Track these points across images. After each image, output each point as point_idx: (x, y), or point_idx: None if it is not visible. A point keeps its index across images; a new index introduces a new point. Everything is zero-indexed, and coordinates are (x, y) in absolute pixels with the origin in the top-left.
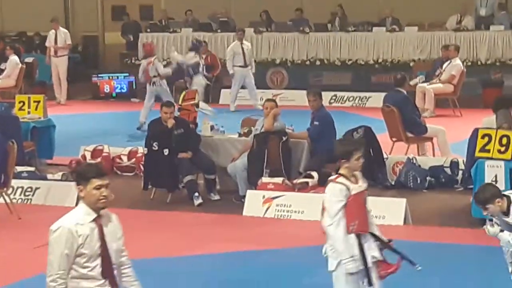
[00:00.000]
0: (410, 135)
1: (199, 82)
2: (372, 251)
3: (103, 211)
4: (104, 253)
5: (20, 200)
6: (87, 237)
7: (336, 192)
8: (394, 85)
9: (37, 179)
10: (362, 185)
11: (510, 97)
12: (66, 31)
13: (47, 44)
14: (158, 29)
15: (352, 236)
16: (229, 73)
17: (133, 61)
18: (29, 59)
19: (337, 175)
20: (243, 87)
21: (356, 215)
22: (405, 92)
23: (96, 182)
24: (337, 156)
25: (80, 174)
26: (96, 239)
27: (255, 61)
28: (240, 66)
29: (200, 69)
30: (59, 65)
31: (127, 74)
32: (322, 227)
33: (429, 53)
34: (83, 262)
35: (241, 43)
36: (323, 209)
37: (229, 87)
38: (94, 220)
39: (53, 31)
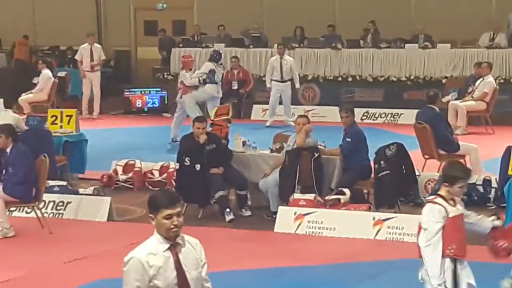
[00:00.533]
0: (442, 152)
1: (209, 89)
2: (468, 278)
3: (180, 238)
4: (182, 283)
5: (51, 214)
6: (160, 268)
7: (435, 213)
8: (426, 102)
9: (68, 193)
10: (459, 208)
11: None
12: (99, 46)
13: (77, 57)
14: (191, 44)
15: (447, 260)
16: (262, 88)
17: (165, 76)
18: (61, 73)
19: (435, 196)
20: (280, 103)
21: (454, 239)
22: (437, 109)
23: (166, 211)
24: (443, 177)
25: (151, 203)
26: (171, 269)
27: (300, 75)
28: (276, 81)
29: (216, 78)
30: (93, 80)
31: (159, 89)
32: (418, 247)
33: (461, 70)
34: None
35: (281, 58)
36: (419, 229)
37: (260, 102)
38: (169, 248)
39: (87, 44)
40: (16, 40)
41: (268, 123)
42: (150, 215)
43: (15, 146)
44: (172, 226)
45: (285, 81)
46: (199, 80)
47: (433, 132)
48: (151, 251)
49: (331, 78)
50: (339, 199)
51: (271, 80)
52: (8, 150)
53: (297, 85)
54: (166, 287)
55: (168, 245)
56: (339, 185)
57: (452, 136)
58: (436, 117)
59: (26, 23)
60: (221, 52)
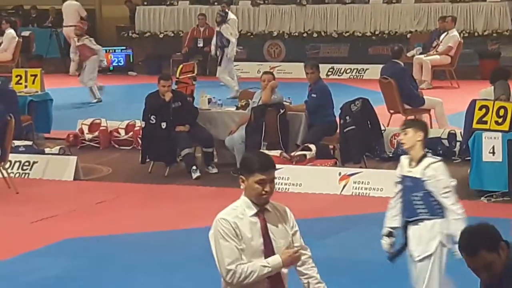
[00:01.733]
0: (407, 107)
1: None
2: None
3: (270, 205)
4: (268, 251)
5: (18, 174)
6: (246, 233)
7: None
8: (391, 57)
9: (34, 153)
10: None
11: (507, 68)
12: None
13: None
14: (155, 2)
15: None
16: None
17: (130, 34)
18: (26, 33)
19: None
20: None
21: None
22: (402, 64)
23: (259, 176)
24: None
25: (244, 165)
26: (257, 236)
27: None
28: None
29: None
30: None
31: (124, 48)
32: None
33: (426, 25)
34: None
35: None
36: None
37: None
38: (256, 214)
39: None
40: None
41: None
42: (241, 176)
43: None
44: (264, 192)
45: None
46: None
47: (398, 87)
48: (238, 214)
49: (296, 34)
50: (305, 155)
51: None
52: None
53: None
54: (252, 254)
55: (256, 210)
56: (305, 141)
57: (417, 90)
58: (400, 71)
59: None
60: (227, 10)
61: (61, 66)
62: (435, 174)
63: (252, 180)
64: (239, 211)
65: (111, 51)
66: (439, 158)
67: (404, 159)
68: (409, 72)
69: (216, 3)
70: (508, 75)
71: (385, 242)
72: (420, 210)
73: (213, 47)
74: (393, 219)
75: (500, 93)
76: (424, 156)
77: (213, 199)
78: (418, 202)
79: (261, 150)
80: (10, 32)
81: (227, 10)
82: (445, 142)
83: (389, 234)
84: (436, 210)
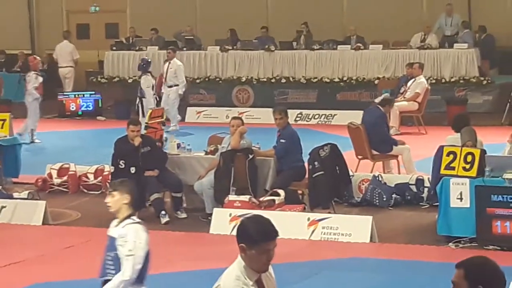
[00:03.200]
0: (375, 152)
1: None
2: None
3: None
4: None
5: None
6: None
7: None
8: (377, 103)
9: (3, 198)
10: None
11: (467, 115)
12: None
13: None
14: (124, 47)
15: None
16: (196, 91)
17: (99, 79)
18: None
19: None
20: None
21: None
22: (383, 111)
23: (266, 246)
24: None
25: (247, 235)
26: None
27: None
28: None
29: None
30: None
31: (93, 92)
32: None
33: (393, 71)
34: None
35: (169, 62)
36: None
37: (194, 105)
38: (256, 280)
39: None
40: None
41: (170, 127)
42: (242, 245)
43: None
44: (268, 261)
45: (169, 86)
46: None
47: (375, 131)
48: (243, 285)
49: (265, 79)
50: (274, 200)
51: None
52: None
53: (180, 91)
54: None
55: (256, 277)
56: (274, 186)
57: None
58: (382, 116)
59: None
60: (149, 60)
61: None
62: (125, 234)
63: (257, 251)
64: (242, 281)
65: (79, 95)
66: (139, 220)
67: (115, 220)
68: (387, 119)
69: (184, 49)
70: (469, 120)
71: None
72: (109, 271)
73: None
74: None
75: (467, 139)
76: (127, 217)
77: (183, 244)
78: (109, 262)
79: (259, 214)
80: None
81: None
82: (413, 187)
83: None
84: None
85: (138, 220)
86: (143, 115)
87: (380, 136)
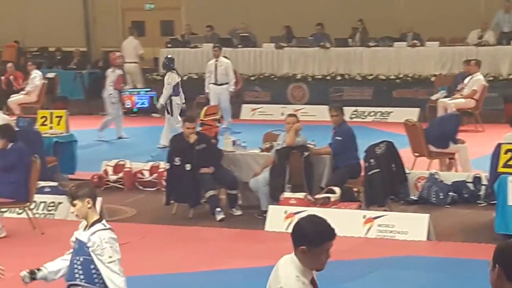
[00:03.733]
0: (432, 149)
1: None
2: None
3: None
4: None
5: (43, 215)
6: None
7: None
8: None
9: (59, 194)
10: None
11: None
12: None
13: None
14: (179, 44)
15: None
16: (251, 88)
17: (154, 76)
18: (50, 75)
19: None
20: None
21: None
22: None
23: (329, 245)
24: None
25: (311, 237)
26: None
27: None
28: (213, 84)
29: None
30: None
31: (148, 89)
32: None
33: (450, 68)
34: None
35: (216, 60)
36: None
37: (249, 102)
38: (310, 280)
39: None
40: (5, 44)
41: (224, 125)
42: (303, 247)
43: (15, 146)
44: (326, 260)
45: (220, 84)
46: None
47: (442, 127)
48: (303, 283)
49: (320, 77)
50: (329, 198)
51: (209, 83)
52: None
53: (231, 89)
54: None
55: (311, 277)
56: (329, 183)
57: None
58: (455, 116)
59: (15, 25)
60: (173, 58)
61: (85, 107)
62: (100, 242)
63: (317, 251)
64: (302, 281)
65: (135, 92)
66: (108, 226)
67: (82, 223)
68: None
69: (239, 46)
70: None
71: (25, 276)
72: (78, 275)
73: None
74: (53, 264)
75: None
76: (97, 221)
77: (237, 241)
78: (78, 267)
79: (314, 214)
80: (36, 73)
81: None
82: (470, 185)
83: (33, 273)
84: (94, 279)
85: (108, 226)
86: (172, 114)
87: (448, 133)
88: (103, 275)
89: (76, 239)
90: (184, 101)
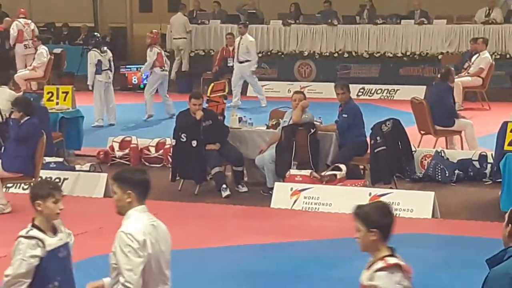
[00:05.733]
0: (438, 127)
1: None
2: None
3: None
4: None
5: None
6: None
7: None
8: (440, 78)
9: (65, 170)
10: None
11: None
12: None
13: None
14: None
15: None
16: (258, 65)
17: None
18: (57, 50)
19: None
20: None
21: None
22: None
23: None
24: None
25: (385, 220)
26: None
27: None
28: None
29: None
30: None
31: None
32: None
33: (457, 46)
34: None
35: (241, 38)
36: None
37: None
38: None
39: None
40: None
41: (231, 103)
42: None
43: (30, 120)
44: None
45: (241, 62)
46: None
47: (440, 104)
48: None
49: (327, 54)
50: (335, 175)
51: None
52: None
53: (252, 68)
54: None
55: None
56: (335, 160)
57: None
58: (447, 88)
59: (22, 0)
60: (95, 35)
61: None
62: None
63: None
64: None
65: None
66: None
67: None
68: (453, 91)
69: (247, 22)
70: None
71: None
72: None
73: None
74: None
75: None
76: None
77: (243, 218)
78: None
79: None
80: (43, 49)
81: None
82: (476, 163)
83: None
84: None
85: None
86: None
87: (446, 108)
88: None
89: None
90: (110, 79)
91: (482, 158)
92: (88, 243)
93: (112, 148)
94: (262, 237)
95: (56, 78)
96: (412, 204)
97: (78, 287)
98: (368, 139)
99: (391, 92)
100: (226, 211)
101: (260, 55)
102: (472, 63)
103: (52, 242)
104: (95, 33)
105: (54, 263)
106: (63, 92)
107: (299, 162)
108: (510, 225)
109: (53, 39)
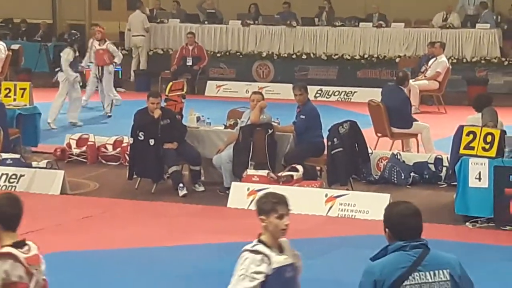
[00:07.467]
0: (395, 130)
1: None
2: None
3: None
4: None
5: (4, 187)
6: None
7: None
8: (396, 82)
9: (21, 167)
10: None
11: (489, 95)
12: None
13: None
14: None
15: None
16: (216, 65)
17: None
18: (15, 46)
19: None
20: None
21: None
22: (405, 91)
23: None
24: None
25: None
26: None
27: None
28: None
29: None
30: None
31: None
32: None
33: (415, 50)
34: None
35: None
36: None
37: (214, 78)
38: None
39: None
40: None
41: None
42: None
43: None
44: None
45: None
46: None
47: (398, 112)
48: None
49: (286, 55)
50: (292, 176)
51: None
52: None
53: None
54: None
55: None
56: (289, 159)
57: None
58: (405, 100)
59: None
60: (74, 33)
61: (49, 80)
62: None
63: None
64: None
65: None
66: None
67: None
68: (410, 100)
69: (206, 22)
70: (491, 100)
71: None
72: None
73: None
74: None
75: (488, 119)
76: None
77: (200, 217)
78: None
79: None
80: (0, 45)
81: None
82: (432, 166)
83: None
84: None
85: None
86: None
87: (404, 117)
88: None
89: None
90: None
91: (438, 161)
92: (45, 240)
93: (69, 145)
94: (218, 236)
95: (14, 74)
96: (368, 206)
97: None
98: (325, 141)
99: (348, 94)
100: (183, 210)
101: (218, 55)
102: (429, 67)
103: (279, 259)
104: (73, 31)
105: (279, 283)
106: (20, 89)
107: (256, 163)
108: (387, 230)
109: (11, 35)
